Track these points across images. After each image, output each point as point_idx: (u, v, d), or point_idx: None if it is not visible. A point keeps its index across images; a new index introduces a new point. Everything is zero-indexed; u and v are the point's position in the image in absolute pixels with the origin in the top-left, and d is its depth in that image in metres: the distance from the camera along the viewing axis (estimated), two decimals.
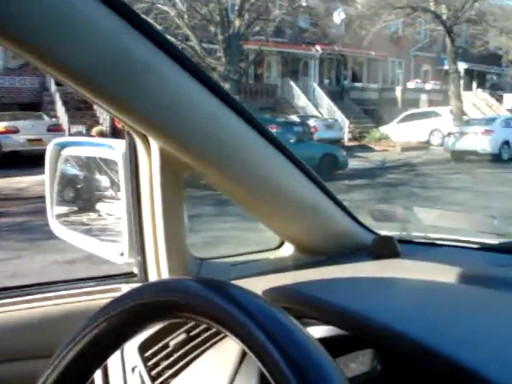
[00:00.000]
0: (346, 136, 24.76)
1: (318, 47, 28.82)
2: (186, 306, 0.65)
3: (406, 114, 26.33)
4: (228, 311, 0.61)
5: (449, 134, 21.10)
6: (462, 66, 28.69)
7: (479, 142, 19.82)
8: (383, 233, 1.50)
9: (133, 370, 1.18)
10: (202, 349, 1.14)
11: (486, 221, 1.53)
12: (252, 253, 1.46)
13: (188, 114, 1.03)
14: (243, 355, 1.03)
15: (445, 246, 1.51)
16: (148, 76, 0.95)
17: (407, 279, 1.21)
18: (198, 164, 1.13)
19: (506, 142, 20.12)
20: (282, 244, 1.47)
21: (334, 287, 1.15)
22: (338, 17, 28.30)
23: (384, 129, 25.70)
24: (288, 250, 1.44)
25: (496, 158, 19.56)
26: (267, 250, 1.48)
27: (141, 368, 1.15)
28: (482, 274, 1.24)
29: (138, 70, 0.94)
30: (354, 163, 16.50)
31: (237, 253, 1.45)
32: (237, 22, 20.66)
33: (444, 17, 23.80)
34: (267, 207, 1.27)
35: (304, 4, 27.03)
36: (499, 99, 34.59)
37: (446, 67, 28.09)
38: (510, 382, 0.70)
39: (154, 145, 1.14)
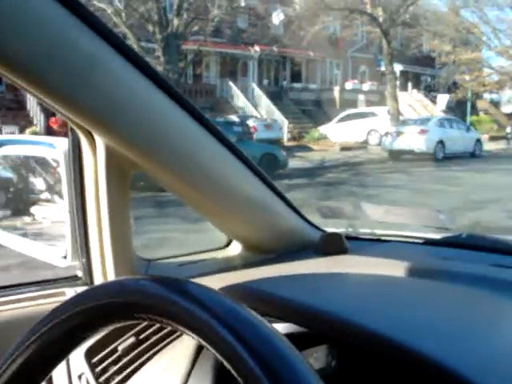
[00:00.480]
0: (286, 136, 24.93)
1: (256, 48, 28.90)
2: (147, 306, 0.61)
3: (344, 114, 26.74)
4: (190, 310, 0.58)
5: (386, 134, 21.55)
6: (397, 68, 29.37)
7: (415, 141, 20.34)
8: (331, 230, 1.51)
9: (79, 377, 1.14)
10: (152, 352, 1.11)
11: (432, 215, 1.56)
12: (199, 252, 1.44)
13: (135, 109, 0.99)
14: (196, 356, 1.01)
15: (391, 241, 1.54)
16: (94, 70, 0.91)
17: (356, 274, 1.22)
18: (145, 162, 1.10)
19: (441, 142, 20.72)
20: (229, 243, 1.45)
21: (284, 284, 1.15)
22: (277, 17, 28.47)
23: (323, 129, 26.02)
24: (236, 248, 1.43)
25: (431, 157, 20.12)
26: (215, 250, 1.46)
27: (88, 375, 1.11)
28: (427, 267, 1.27)
29: (84, 63, 0.89)
30: (293, 163, 16.62)
31: (184, 253, 1.42)
32: (175, 22, 20.52)
33: (380, 19, 24.32)
34: (215, 205, 1.25)
35: (243, 4, 27.12)
36: (433, 100, 35.59)
37: (383, 68, 28.71)
38: (468, 369, 0.72)
39: (100, 142, 1.09)
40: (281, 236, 1.41)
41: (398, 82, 26.85)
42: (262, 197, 1.31)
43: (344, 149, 22.41)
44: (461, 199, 10.63)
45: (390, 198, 10.78)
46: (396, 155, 20.44)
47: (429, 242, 1.51)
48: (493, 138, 30.89)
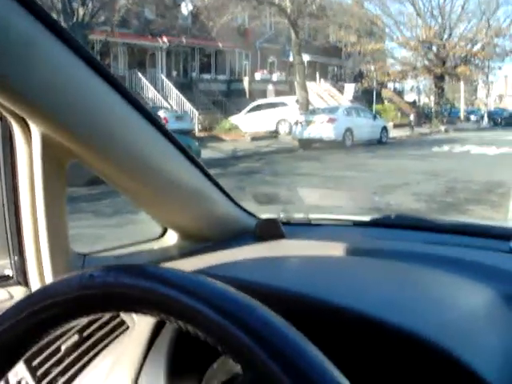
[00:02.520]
0: (197, 127, 24.83)
1: (165, 39, 28.52)
2: (138, 298, 0.58)
3: (254, 104, 26.90)
4: (177, 298, 0.55)
5: (296, 123, 21.85)
6: (305, 58, 29.79)
7: (324, 129, 20.76)
8: (266, 216, 1.51)
9: (18, 383, 1.07)
10: (98, 348, 1.07)
11: (365, 197, 1.60)
12: (135, 244, 1.40)
13: (74, 96, 0.94)
14: (148, 348, 0.98)
15: (326, 225, 1.57)
16: (29, 53, 0.85)
17: (295, 256, 1.25)
18: (82, 151, 1.04)
19: (349, 129, 21.25)
20: (165, 232, 1.43)
21: (226, 269, 1.14)
22: (186, 8, 28.13)
23: (233, 119, 26.06)
24: (172, 238, 1.41)
25: (340, 145, 20.59)
26: (151, 240, 1.43)
27: (28, 379, 1.05)
28: (362, 247, 1.32)
29: (19, 46, 0.83)
30: (205, 153, 16.55)
31: (120, 245, 1.38)
32: (80, 11, 19.89)
33: (288, 10, 24.54)
34: (151, 194, 1.22)
35: None
36: (341, 89, 36.48)
37: (291, 59, 29.06)
38: (430, 332, 0.80)
39: (35, 130, 1.02)
40: (217, 224, 1.41)
41: (306, 72, 27.25)
42: (198, 185, 1.30)
43: (255, 139, 22.54)
44: (370, 184, 10.96)
45: (302, 185, 10.95)
46: (306, 144, 20.77)
47: (362, 224, 1.57)
48: (397, 126, 32.10)
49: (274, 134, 24.72)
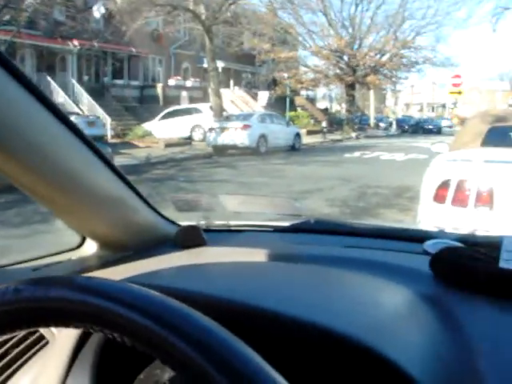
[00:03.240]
0: (109, 133, 24.38)
1: (75, 42, 27.79)
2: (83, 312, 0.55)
3: (167, 110, 26.73)
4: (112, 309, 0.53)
5: (210, 130, 21.87)
6: (220, 65, 29.88)
7: (238, 136, 20.88)
8: (187, 223, 1.50)
9: None
10: (16, 366, 1.01)
11: (286, 203, 1.61)
12: (52, 255, 1.34)
13: None
14: (71, 361, 0.94)
15: (247, 231, 1.58)
16: None
17: (217, 263, 1.24)
18: None
19: (263, 136, 21.46)
20: (83, 242, 1.38)
21: (149, 278, 1.11)
22: (98, 11, 27.50)
23: (147, 125, 25.77)
24: (91, 247, 1.36)
25: (254, 151, 20.78)
26: (69, 250, 1.37)
27: None
28: (283, 253, 1.34)
29: None
30: (119, 160, 16.25)
31: (35, 256, 1.32)
32: None
33: (203, 17, 24.51)
34: (69, 202, 1.17)
35: None
36: (254, 96, 36.84)
37: (206, 65, 29.07)
38: (354, 332, 0.82)
39: None
40: (137, 232, 1.38)
41: (220, 79, 27.33)
42: (117, 192, 1.27)
43: (169, 145, 22.33)
44: (284, 190, 11.10)
45: (218, 191, 10.95)
46: (221, 150, 20.82)
47: (282, 230, 1.58)
48: (310, 132, 32.74)
49: (189, 141, 24.64)
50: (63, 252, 1.36)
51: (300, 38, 39.44)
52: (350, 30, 39.44)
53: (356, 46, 39.18)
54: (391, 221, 7.87)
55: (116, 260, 1.30)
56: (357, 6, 39.51)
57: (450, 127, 49.12)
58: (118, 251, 1.35)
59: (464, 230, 2.04)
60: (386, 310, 0.96)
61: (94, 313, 0.54)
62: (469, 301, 1.02)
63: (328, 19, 38.83)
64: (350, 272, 1.17)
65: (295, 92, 40.74)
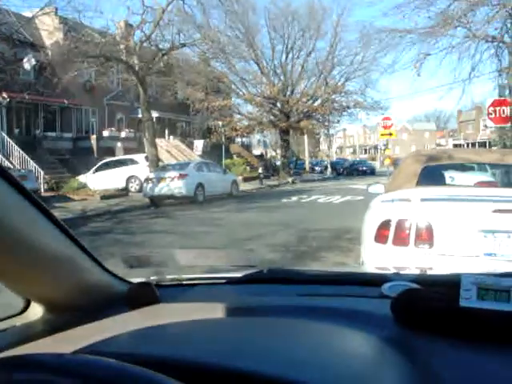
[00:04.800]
0: (42, 187, 23.83)
1: (4, 94, 27.25)
2: None
3: (102, 162, 26.46)
4: None
5: (146, 180, 21.69)
6: (154, 115, 29.90)
7: (175, 186, 20.79)
8: (139, 280, 1.44)
9: None
10: None
11: (238, 255, 1.59)
12: None
13: None
14: None
15: (200, 284, 1.54)
16: None
17: (172, 322, 1.18)
18: None
19: (200, 185, 21.43)
20: (28, 306, 1.29)
21: (108, 343, 1.05)
22: (28, 63, 27.08)
23: (81, 178, 25.38)
24: (37, 311, 1.28)
25: (192, 200, 20.70)
26: (11, 316, 1.29)
27: None
28: (236, 306, 1.32)
29: None
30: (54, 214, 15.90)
31: None
32: None
33: (136, 67, 24.57)
34: (11, 263, 1.09)
35: None
36: (190, 145, 36.98)
37: (140, 116, 29.00)
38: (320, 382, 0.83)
39: None
40: (86, 292, 1.31)
41: (155, 129, 27.29)
42: (64, 251, 1.20)
43: (105, 197, 22.01)
44: (226, 238, 11.06)
45: (157, 243, 10.80)
46: (158, 201, 20.66)
47: (236, 281, 1.55)
48: (247, 179, 33.01)
49: (125, 192, 24.37)
50: (5, 318, 1.27)
51: (233, 86, 40.12)
52: (282, 77, 40.49)
53: (288, 93, 40.15)
54: (333, 264, 7.92)
55: (65, 324, 1.22)
56: (287, 54, 40.75)
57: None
58: (66, 314, 1.27)
59: (412, 270, 2.07)
60: (353, 358, 0.96)
61: None
62: (433, 342, 1.02)
63: (260, 67, 39.77)
64: (310, 322, 1.15)
65: (230, 139, 41.18)
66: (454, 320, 1.06)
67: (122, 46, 25.09)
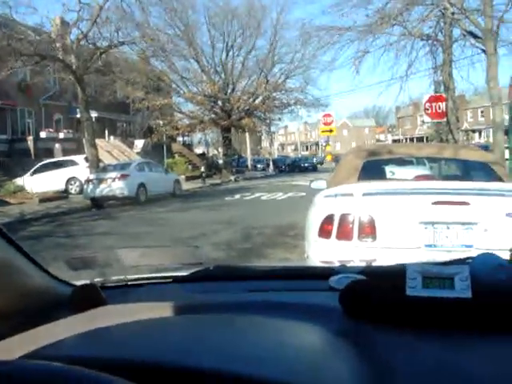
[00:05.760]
0: None
1: None
2: None
3: (40, 164, 25.80)
4: None
5: (87, 182, 21.31)
6: (93, 115, 29.36)
7: (117, 186, 20.52)
8: (82, 282, 1.40)
9: None
10: None
11: (187, 253, 1.57)
12: None
13: None
14: None
15: (146, 284, 1.52)
16: None
17: (119, 323, 1.16)
18: None
19: (142, 185, 21.20)
20: None
21: (55, 347, 1.01)
22: None
23: (19, 181, 24.66)
24: None
25: (134, 201, 20.47)
26: None
27: None
28: (183, 304, 1.31)
29: None
30: None
31: None
32: None
33: (74, 66, 24.00)
34: None
35: None
36: (130, 145, 36.50)
37: (79, 116, 28.40)
38: (276, 375, 0.83)
39: None
40: (28, 297, 1.26)
41: (94, 129, 26.77)
42: (3, 256, 1.16)
43: (44, 200, 21.45)
44: (169, 238, 10.97)
45: (100, 245, 10.62)
46: (99, 202, 20.32)
47: (183, 279, 1.54)
48: (189, 178, 32.87)
49: (65, 194, 23.85)
50: None
51: (174, 85, 39.82)
52: (223, 76, 40.47)
53: (229, 91, 40.18)
54: (278, 260, 7.97)
55: (8, 330, 1.18)
56: (228, 52, 40.73)
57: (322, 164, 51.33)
58: (8, 321, 1.23)
59: (357, 263, 2.11)
60: (305, 351, 0.96)
61: None
62: (382, 331, 1.04)
63: (200, 65, 39.63)
64: (260, 317, 1.15)
65: (172, 139, 40.85)
66: (400, 309, 1.09)
67: (58, 44, 24.46)
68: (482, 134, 68.46)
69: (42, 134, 32.27)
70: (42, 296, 1.30)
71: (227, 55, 40.83)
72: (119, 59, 30.60)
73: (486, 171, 5.58)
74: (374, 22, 19.29)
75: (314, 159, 60.39)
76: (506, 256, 1.23)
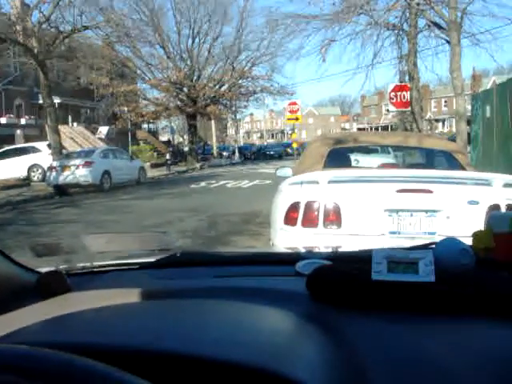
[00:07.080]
0: None
1: None
2: None
3: (0, 150, 25.30)
4: None
5: (50, 169, 20.99)
6: (56, 101, 28.86)
7: (81, 173, 20.28)
8: (47, 269, 1.39)
9: None
10: None
11: (154, 238, 1.57)
12: None
13: None
14: None
15: (112, 271, 1.51)
16: None
17: (85, 310, 1.15)
18: None
19: (106, 172, 20.99)
20: None
21: (22, 334, 1.00)
22: None
23: None
24: None
25: (98, 188, 20.29)
26: None
27: None
28: (147, 290, 1.31)
29: None
30: None
31: None
32: None
33: (35, 50, 23.47)
34: None
35: None
36: (94, 132, 36.02)
37: (41, 101, 27.86)
38: (248, 358, 0.84)
39: None
40: None
41: (57, 115, 26.30)
42: None
43: (4, 188, 21.03)
44: (134, 226, 10.90)
45: (63, 233, 10.48)
46: (62, 189, 20.03)
47: (149, 266, 1.53)
48: (154, 166, 32.63)
49: (27, 182, 23.42)
50: None
51: (139, 71, 39.37)
52: (189, 62, 40.13)
53: (195, 78, 39.91)
54: (244, 247, 7.99)
55: None
56: (194, 38, 40.38)
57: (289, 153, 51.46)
58: None
59: (322, 250, 2.13)
60: (273, 335, 0.97)
61: None
62: (348, 315, 1.07)
63: (166, 52, 39.25)
64: (227, 302, 1.16)
65: (137, 125, 40.47)
66: (366, 293, 1.11)
67: (18, 27, 23.89)
68: (446, 123, 69.52)
69: (2, 120, 31.64)
70: (6, 283, 1.28)
71: (193, 42, 40.55)
72: (83, 44, 30.05)
73: (449, 160, 5.67)
74: (341, 10, 19.34)
75: (280, 147, 60.31)
76: (468, 242, 1.26)
